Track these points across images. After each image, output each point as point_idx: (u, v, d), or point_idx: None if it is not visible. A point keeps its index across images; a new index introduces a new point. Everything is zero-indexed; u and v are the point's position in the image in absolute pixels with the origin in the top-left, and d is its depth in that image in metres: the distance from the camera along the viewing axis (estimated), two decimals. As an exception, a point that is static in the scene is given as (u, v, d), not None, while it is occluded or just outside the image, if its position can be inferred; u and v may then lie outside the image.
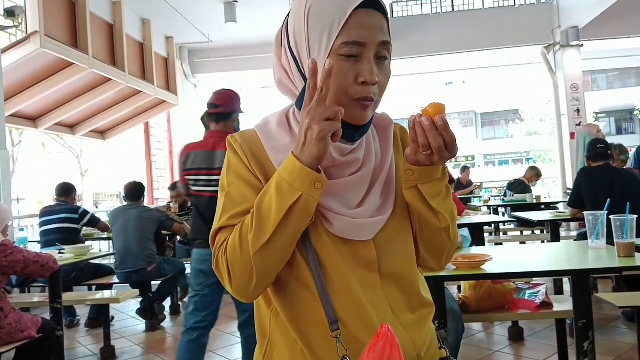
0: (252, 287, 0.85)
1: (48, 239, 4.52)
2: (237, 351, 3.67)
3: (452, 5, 9.33)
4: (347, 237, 0.87)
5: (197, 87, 10.01)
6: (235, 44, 8.99)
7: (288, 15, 0.93)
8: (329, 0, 0.85)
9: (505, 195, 7.47)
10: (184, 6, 7.46)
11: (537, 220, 4.66)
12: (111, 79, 6.69)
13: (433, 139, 0.81)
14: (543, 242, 6.01)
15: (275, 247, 0.83)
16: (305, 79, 0.88)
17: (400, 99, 26.11)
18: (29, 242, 4.68)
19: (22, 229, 6.20)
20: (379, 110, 0.98)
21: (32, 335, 2.76)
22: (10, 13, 5.33)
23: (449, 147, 0.83)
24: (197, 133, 9.95)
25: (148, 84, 7.64)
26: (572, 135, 8.39)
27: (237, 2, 7.33)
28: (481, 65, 10.87)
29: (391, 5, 9.16)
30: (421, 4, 9.38)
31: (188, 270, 5.48)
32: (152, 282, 4.62)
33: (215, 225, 0.91)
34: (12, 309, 2.77)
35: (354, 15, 0.83)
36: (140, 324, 4.61)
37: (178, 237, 5.47)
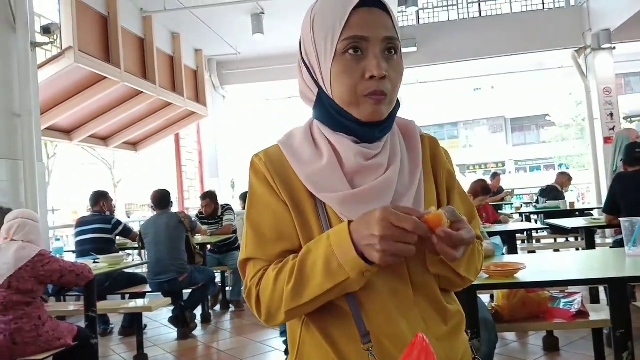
0: (276, 323, 0.89)
1: (83, 249, 4.63)
2: (269, 358, 3.68)
3: (480, 11, 9.24)
4: None
5: (225, 98, 10.15)
6: (262, 55, 9.10)
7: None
8: (330, 5, 0.88)
9: (537, 202, 7.32)
10: (213, 19, 7.60)
11: (572, 227, 4.55)
12: (142, 92, 6.84)
13: (441, 251, 0.78)
14: (578, 249, 5.86)
15: (309, 307, 0.86)
16: (317, 85, 0.91)
17: (429, 106, 25.93)
18: (65, 252, 4.80)
19: (58, 239, 6.37)
20: (404, 116, 0.99)
21: (68, 343, 2.83)
22: (46, 30, 5.51)
23: (462, 246, 0.80)
24: (226, 143, 10.09)
25: (178, 96, 7.78)
26: (606, 139, 8.18)
27: (264, 13, 7.42)
28: (510, 70, 10.71)
29: (417, 12, 9.12)
30: (448, 10, 9.32)
31: (218, 279, 5.55)
32: (184, 291, 4.67)
33: (242, 254, 0.92)
34: (49, 317, 2.84)
35: (355, 14, 0.85)
36: (172, 332, 4.67)
37: (208, 246, 5.54)
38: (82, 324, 3.22)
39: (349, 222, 0.81)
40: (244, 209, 6.55)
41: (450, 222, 0.78)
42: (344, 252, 0.79)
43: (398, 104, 0.92)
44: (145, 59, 7.04)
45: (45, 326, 2.74)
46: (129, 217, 17.36)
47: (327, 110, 0.91)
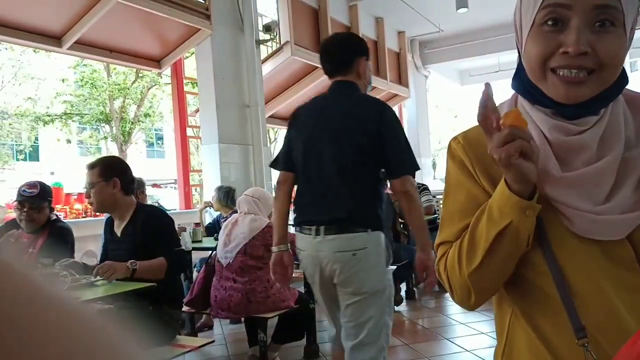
0: (472, 301, 0.87)
1: (300, 223, 5.14)
2: (475, 341, 3.65)
3: None
4: (592, 236, 0.78)
5: (427, 77, 10.10)
6: (465, 30, 8.79)
7: None
8: None
9: None
10: (415, -1, 7.60)
11: None
12: (349, 79, 7.22)
13: None
14: None
15: (487, 269, 0.82)
16: (519, 52, 0.86)
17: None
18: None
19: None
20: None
21: (291, 305, 3.18)
22: (267, 28, 6.19)
23: None
24: (428, 124, 10.07)
25: (381, 79, 8.02)
26: None
27: (468, -14, 7.17)
28: None
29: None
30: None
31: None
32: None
33: (438, 238, 0.93)
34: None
35: None
36: (379, 306, 4.90)
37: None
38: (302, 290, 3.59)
39: None
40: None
41: None
42: (500, 196, 0.79)
43: (623, 80, 0.80)
44: (351, 47, 7.40)
45: (272, 289, 3.14)
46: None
47: (523, 82, 0.84)
